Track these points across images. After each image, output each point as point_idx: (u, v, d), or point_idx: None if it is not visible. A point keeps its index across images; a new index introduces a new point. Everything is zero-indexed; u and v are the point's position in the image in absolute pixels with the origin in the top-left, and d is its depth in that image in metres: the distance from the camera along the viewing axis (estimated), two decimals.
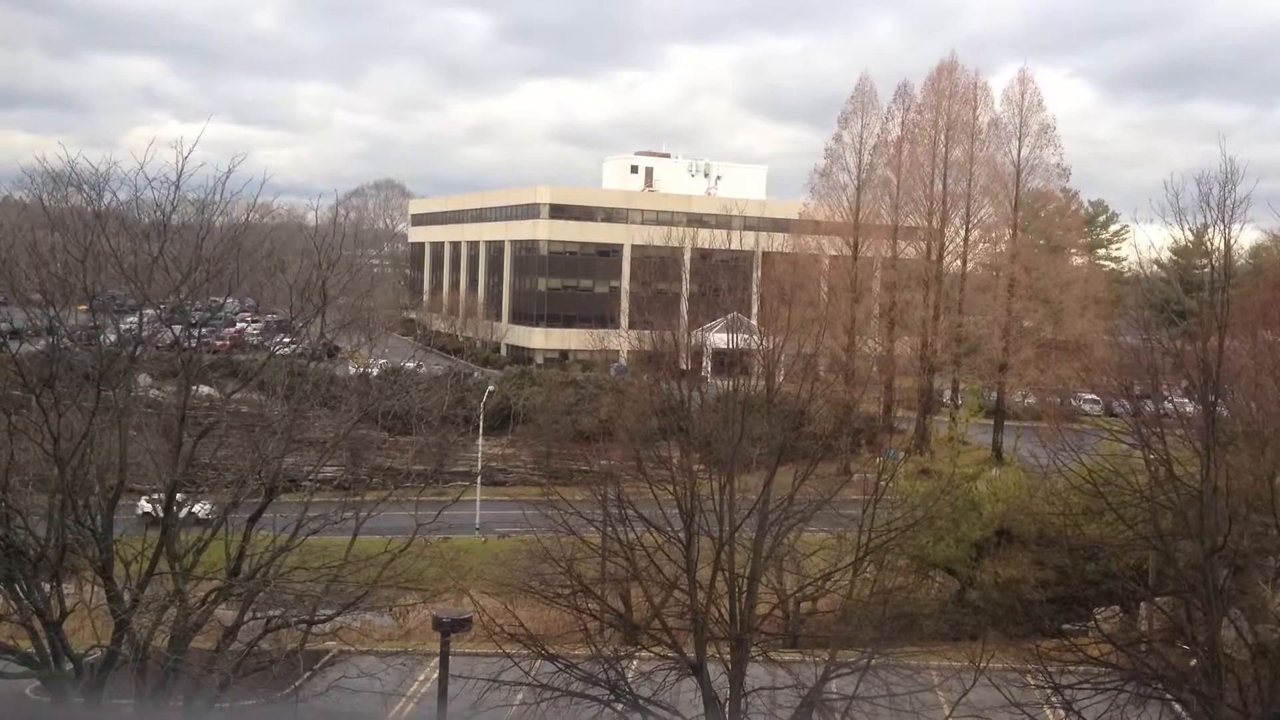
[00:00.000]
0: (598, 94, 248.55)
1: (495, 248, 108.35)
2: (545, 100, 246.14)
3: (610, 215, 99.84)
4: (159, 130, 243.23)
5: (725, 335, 29.06)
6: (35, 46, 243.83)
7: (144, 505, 26.07)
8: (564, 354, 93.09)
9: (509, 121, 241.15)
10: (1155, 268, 57.15)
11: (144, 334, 21.97)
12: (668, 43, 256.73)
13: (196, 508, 22.77)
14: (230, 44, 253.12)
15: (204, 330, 23.98)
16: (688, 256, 68.96)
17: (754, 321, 38.55)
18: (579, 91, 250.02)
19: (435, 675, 27.80)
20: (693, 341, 28.07)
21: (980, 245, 71.32)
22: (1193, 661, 23.56)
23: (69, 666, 19.49)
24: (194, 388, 21.54)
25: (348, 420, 24.87)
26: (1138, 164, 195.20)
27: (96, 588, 20.95)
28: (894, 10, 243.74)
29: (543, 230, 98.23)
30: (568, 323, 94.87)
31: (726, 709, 21.69)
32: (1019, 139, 68.07)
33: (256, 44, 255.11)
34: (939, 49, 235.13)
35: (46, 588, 19.86)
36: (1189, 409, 24.51)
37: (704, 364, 31.39)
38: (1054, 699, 24.15)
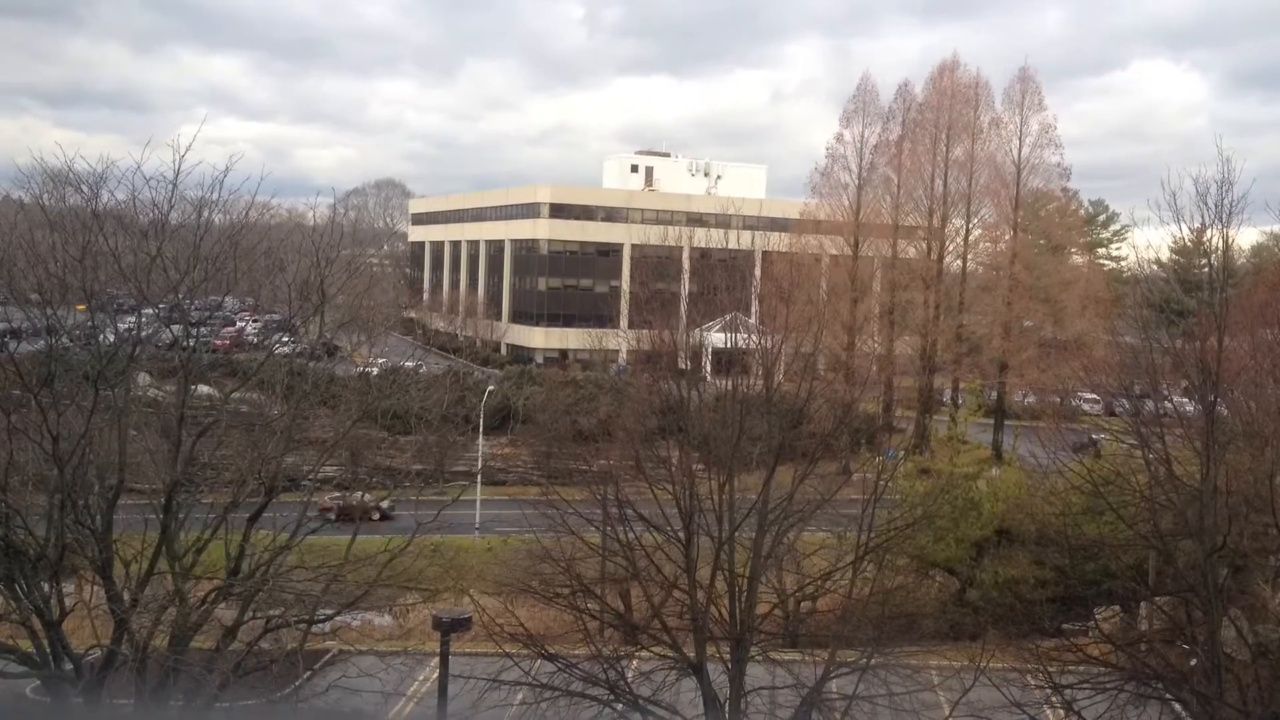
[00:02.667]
0: (687, 92, 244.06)
1: (495, 247, 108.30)
2: (628, 98, 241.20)
3: (610, 215, 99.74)
4: (213, 129, 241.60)
5: (724, 335, 29.01)
6: (121, 40, 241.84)
7: None
8: (564, 353, 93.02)
9: (580, 123, 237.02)
10: (1155, 267, 57.11)
11: (143, 333, 21.96)
12: (796, 39, 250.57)
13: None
14: (330, 38, 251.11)
15: (203, 329, 23.96)
16: (687, 256, 69.02)
17: (753, 321, 38.51)
18: (668, 89, 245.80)
19: (435, 675, 27.81)
20: (692, 341, 28.05)
21: (981, 244, 71.33)
22: (1193, 661, 23.55)
23: (69, 666, 19.48)
24: (193, 387, 21.52)
25: (347, 419, 24.88)
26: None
27: (96, 587, 20.93)
28: (1056, 4, 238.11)
29: (543, 229, 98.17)
30: (567, 322, 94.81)
31: (726, 709, 21.69)
32: (1020, 138, 68.09)
33: (357, 39, 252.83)
34: (1090, 42, 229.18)
35: (46, 587, 19.85)
36: (1189, 408, 24.49)
37: (703, 363, 31.38)
38: (1054, 699, 24.14)
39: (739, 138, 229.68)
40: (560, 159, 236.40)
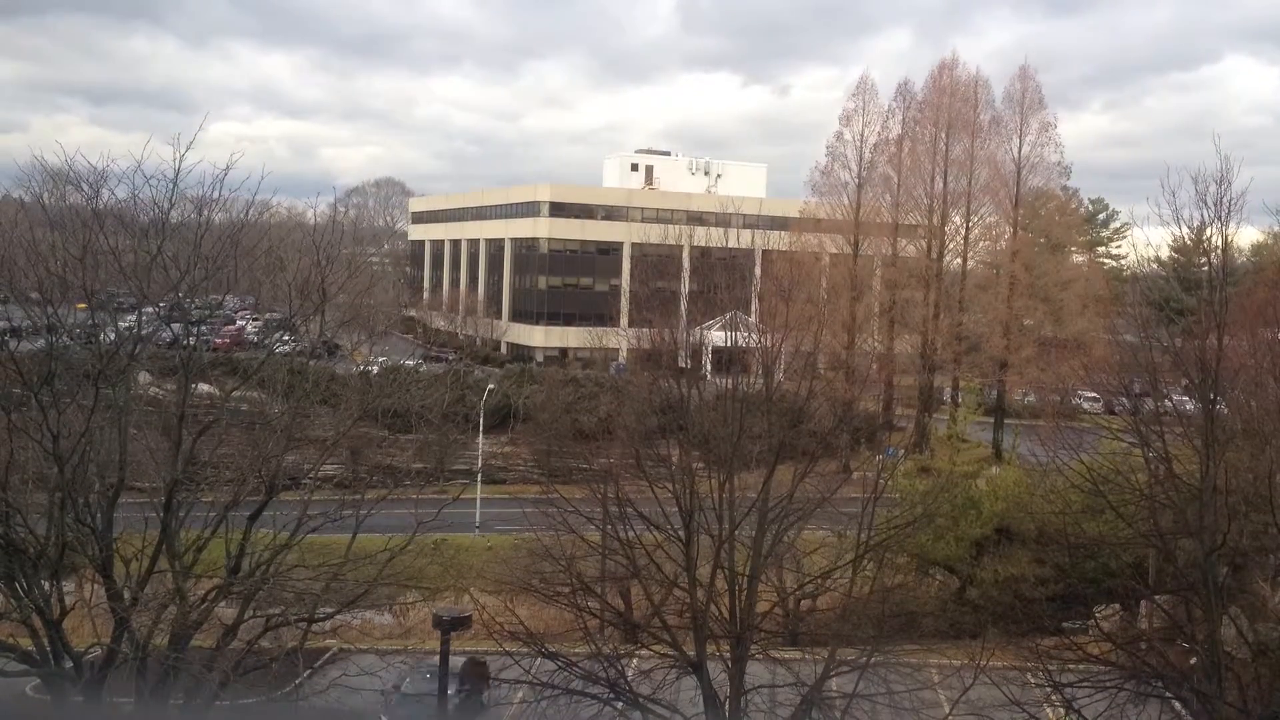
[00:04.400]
0: (748, 89, 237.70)
1: (495, 246, 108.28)
2: (684, 96, 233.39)
3: (610, 213, 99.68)
4: (249, 127, 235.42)
5: (724, 333, 29.03)
6: (182, 36, 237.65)
7: None
8: (564, 352, 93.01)
9: (627, 121, 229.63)
10: (1154, 266, 57.11)
11: (143, 332, 21.96)
12: (885, 35, 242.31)
13: None
14: (400, 33, 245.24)
15: (203, 328, 23.96)
16: (687, 255, 69.00)
17: (753, 320, 38.58)
18: (728, 86, 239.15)
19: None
20: (692, 339, 28.07)
21: (981, 243, 71.25)
22: (1192, 660, 23.56)
23: (69, 665, 19.49)
24: (193, 386, 21.52)
25: (348, 418, 24.89)
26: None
27: (96, 586, 20.95)
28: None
29: (543, 228, 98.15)
30: (568, 321, 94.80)
31: (726, 707, 21.70)
32: (1019, 137, 68.02)
33: (427, 35, 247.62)
34: (1192, 37, 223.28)
35: (46, 586, 19.85)
36: (1188, 407, 24.50)
37: (703, 362, 31.38)
38: (1054, 697, 24.17)
39: (798, 136, 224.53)
40: (598, 157, 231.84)
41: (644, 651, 24.06)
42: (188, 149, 20.41)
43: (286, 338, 26.54)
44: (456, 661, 29.18)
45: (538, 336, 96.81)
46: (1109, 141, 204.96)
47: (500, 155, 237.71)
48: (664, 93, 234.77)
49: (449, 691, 27.54)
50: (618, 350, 78.14)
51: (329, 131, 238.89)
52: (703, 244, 48.18)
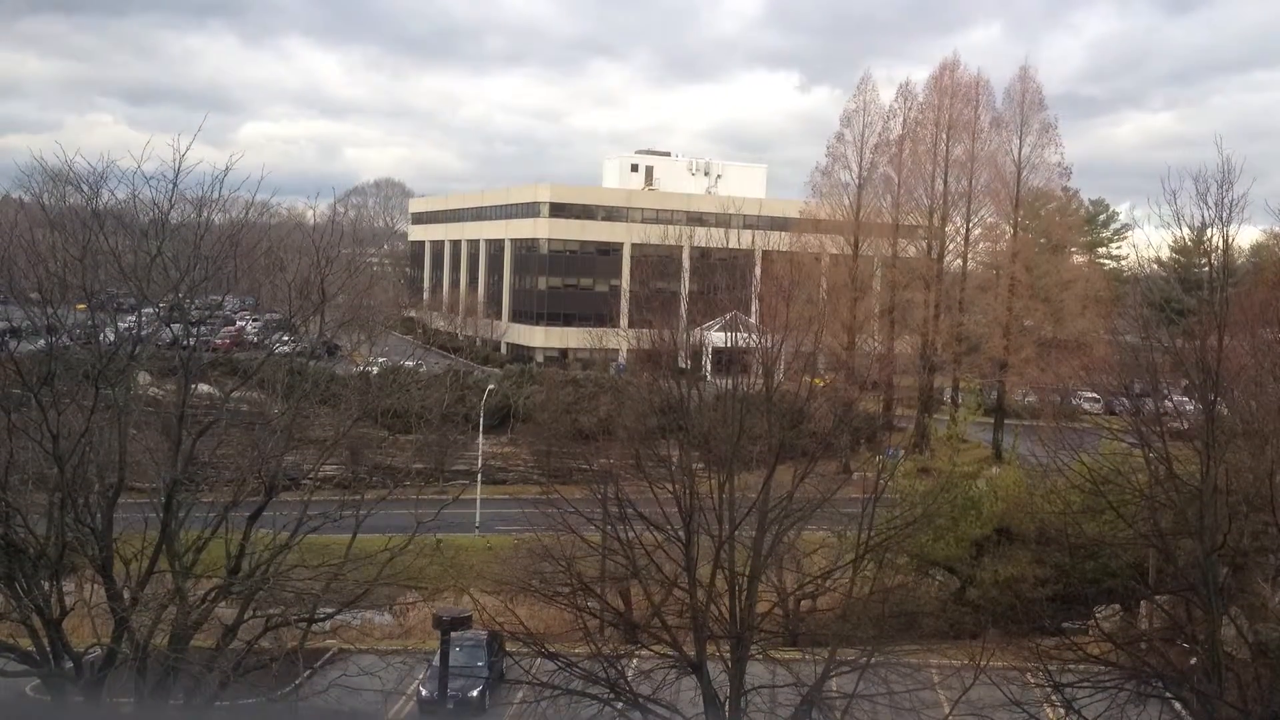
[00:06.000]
0: (813, 90, 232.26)
1: (495, 246, 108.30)
2: (740, 95, 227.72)
3: (610, 214, 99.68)
4: (284, 128, 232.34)
5: (724, 334, 29.07)
6: (240, 32, 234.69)
7: None
8: (564, 352, 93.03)
9: (670, 121, 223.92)
10: (1155, 266, 57.11)
11: (143, 332, 21.96)
12: (976, 31, 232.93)
13: None
14: (468, 30, 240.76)
15: (203, 328, 23.97)
16: (687, 255, 69.07)
17: (753, 320, 38.66)
18: (787, 85, 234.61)
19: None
20: (692, 340, 28.08)
21: (981, 244, 71.27)
22: (1193, 660, 23.57)
23: (69, 665, 19.49)
24: (193, 386, 21.52)
25: (348, 418, 24.90)
26: None
27: (96, 586, 20.95)
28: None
29: (543, 229, 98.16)
30: (568, 321, 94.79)
31: (726, 707, 21.70)
32: (1020, 137, 68.02)
33: (497, 31, 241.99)
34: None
35: (46, 586, 19.85)
36: (1189, 407, 24.51)
37: (703, 362, 31.42)
38: (1054, 697, 24.17)
39: (815, 136, 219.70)
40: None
41: (644, 652, 24.05)
42: (188, 149, 20.46)
43: (286, 338, 26.55)
44: (480, 635, 29.95)
45: (538, 337, 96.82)
46: (1168, 141, 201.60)
47: (533, 155, 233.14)
48: (718, 92, 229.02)
49: (480, 661, 29.27)
50: (618, 351, 78.13)
51: (363, 132, 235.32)
52: (703, 244, 48.23)
